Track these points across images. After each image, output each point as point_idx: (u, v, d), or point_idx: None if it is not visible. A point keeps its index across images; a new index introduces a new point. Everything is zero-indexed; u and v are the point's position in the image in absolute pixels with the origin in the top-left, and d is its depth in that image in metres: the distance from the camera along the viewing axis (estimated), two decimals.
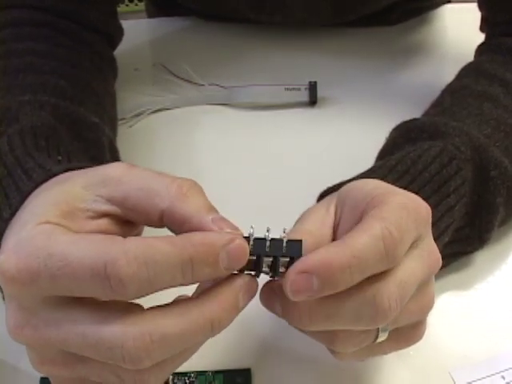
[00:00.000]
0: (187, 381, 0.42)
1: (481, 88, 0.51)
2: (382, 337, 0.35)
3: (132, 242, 0.30)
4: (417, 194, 0.36)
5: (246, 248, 0.32)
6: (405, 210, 0.33)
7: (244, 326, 0.45)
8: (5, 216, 0.36)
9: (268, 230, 0.33)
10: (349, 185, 0.38)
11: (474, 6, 0.61)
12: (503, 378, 0.41)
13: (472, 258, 0.48)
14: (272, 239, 0.33)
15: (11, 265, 0.30)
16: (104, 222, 0.33)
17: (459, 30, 0.70)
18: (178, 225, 0.32)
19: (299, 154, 0.58)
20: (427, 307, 0.36)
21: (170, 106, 0.63)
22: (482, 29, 0.62)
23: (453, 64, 0.58)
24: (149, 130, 0.61)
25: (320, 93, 0.62)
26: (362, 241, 0.31)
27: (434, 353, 0.42)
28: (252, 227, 0.33)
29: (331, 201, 0.37)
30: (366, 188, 0.36)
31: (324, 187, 0.44)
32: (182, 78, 0.65)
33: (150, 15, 0.87)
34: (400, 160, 0.43)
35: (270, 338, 0.44)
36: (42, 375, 0.42)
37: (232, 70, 0.67)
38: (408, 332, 0.36)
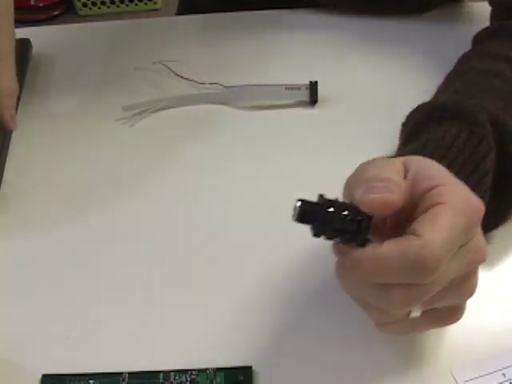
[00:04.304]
0: (188, 378, 0.42)
1: (486, 66, 0.53)
2: (415, 313, 0.37)
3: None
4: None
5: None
6: (458, 227, 0.35)
7: (245, 324, 0.45)
8: None
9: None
10: (415, 157, 0.39)
11: (483, 4, 0.62)
12: (504, 375, 0.41)
13: None
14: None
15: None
16: None
17: (461, 29, 0.70)
18: None
19: (299, 154, 0.58)
20: (467, 294, 0.38)
21: (171, 105, 0.63)
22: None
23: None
24: (149, 129, 0.61)
25: (320, 92, 0.62)
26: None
27: (434, 350, 0.43)
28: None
29: (398, 161, 0.39)
30: (431, 171, 0.38)
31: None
32: (183, 77, 0.65)
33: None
34: (436, 147, 0.44)
35: (271, 336, 0.44)
36: (44, 373, 0.42)
37: (232, 70, 0.67)
38: (445, 314, 0.39)
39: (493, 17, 0.62)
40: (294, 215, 0.35)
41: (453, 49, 0.60)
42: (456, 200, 0.36)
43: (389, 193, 0.35)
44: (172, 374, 0.42)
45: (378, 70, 0.66)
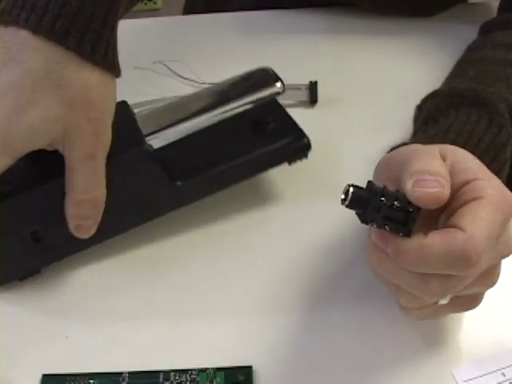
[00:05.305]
0: (188, 378, 0.42)
1: (500, 56, 0.53)
2: (444, 301, 0.39)
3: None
4: None
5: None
6: (497, 222, 0.36)
7: (246, 324, 0.45)
8: None
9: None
10: (450, 147, 0.40)
11: (483, 5, 0.62)
12: (503, 374, 0.41)
13: None
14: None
15: None
16: None
17: (462, 30, 0.70)
18: None
19: None
20: (491, 284, 0.39)
21: None
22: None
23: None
24: None
25: (320, 92, 0.62)
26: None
27: (434, 350, 0.43)
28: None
29: (435, 150, 0.39)
30: (468, 163, 0.38)
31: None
32: (183, 77, 0.65)
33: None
34: (458, 133, 0.45)
35: (271, 336, 0.44)
36: (44, 373, 0.42)
37: (232, 70, 0.67)
38: (467, 300, 0.40)
39: (501, 8, 0.63)
40: (345, 200, 0.35)
41: (453, 49, 0.60)
42: (494, 194, 0.37)
43: (440, 187, 0.36)
44: (172, 373, 0.42)
45: (377, 70, 0.66)
